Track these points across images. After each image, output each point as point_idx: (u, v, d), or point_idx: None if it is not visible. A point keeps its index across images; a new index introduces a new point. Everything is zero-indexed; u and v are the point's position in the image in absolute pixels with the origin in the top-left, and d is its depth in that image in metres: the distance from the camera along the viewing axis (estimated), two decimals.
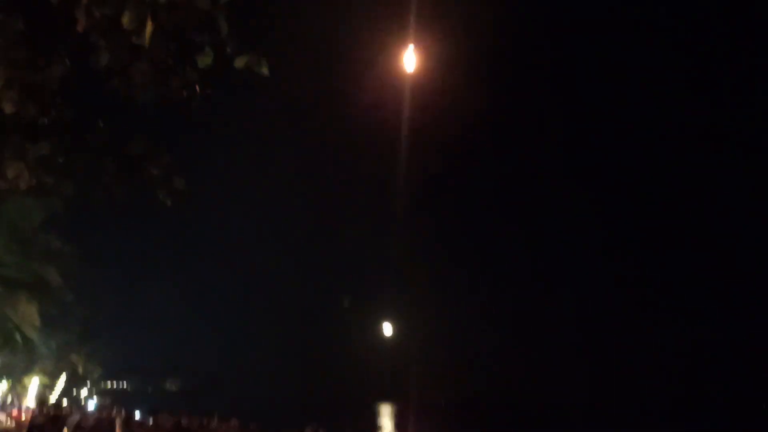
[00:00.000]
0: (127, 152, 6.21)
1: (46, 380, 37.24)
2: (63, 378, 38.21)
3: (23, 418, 22.96)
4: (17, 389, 36.05)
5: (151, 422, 20.63)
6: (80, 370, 40.13)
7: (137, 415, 23.22)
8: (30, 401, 33.89)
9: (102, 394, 43.30)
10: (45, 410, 18.74)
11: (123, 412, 23.08)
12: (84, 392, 42.18)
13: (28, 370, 33.14)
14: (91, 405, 21.53)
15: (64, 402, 31.27)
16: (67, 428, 17.95)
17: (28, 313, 23.85)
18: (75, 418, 18.78)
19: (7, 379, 34.45)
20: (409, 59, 12.63)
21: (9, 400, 34.17)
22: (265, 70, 4.36)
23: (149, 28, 3.92)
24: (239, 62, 4.35)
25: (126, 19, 3.91)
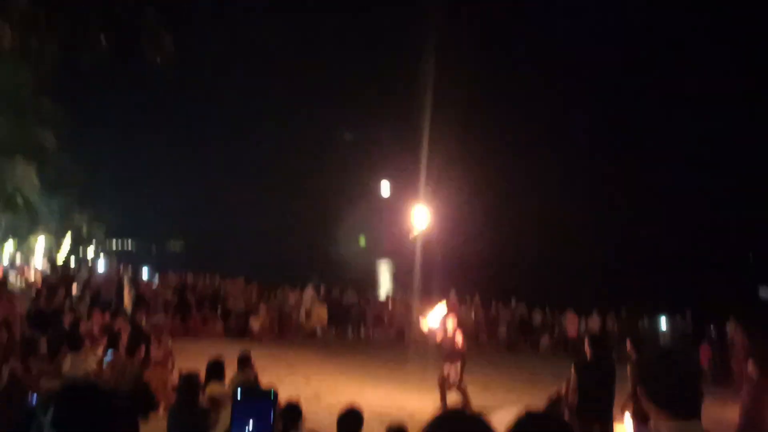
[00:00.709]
0: (112, 7, 5.93)
1: (51, 241, 38.21)
2: (68, 239, 39.16)
3: (33, 277, 23.74)
4: (24, 250, 37.09)
5: (157, 280, 21.37)
6: (84, 231, 41.04)
7: (144, 273, 23.98)
8: (38, 261, 34.97)
9: (108, 254, 44.52)
10: (54, 269, 19.31)
11: (130, 270, 23.83)
12: (90, 252, 43.40)
13: (32, 232, 33.91)
14: (100, 265, 22.16)
15: (72, 261, 32.28)
16: (77, 286, 18.58)
17: (26, 176, 24.10)
18: (84, 276, 19.42)
19: (14, 240, 35.35)
20: (420, 218, 12.88)
21: (17, 259, 35.25)
22: None
23: None
24: None
25: None
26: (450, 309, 11.45)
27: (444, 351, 10.79)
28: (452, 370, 10.63)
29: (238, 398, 1.65)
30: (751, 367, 7.00)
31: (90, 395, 1.82)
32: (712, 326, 18.84)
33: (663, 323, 19.86)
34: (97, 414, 1.76)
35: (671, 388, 2.24)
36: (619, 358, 9.23)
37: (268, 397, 1.68)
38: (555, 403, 8.47)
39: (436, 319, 11.07)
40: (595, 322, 19.54)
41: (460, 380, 10.65)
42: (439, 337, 10.89)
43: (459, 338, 10.68)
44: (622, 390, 7.40)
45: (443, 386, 10.65)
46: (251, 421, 1.63)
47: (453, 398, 10.56)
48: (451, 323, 10.82)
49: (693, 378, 2.30)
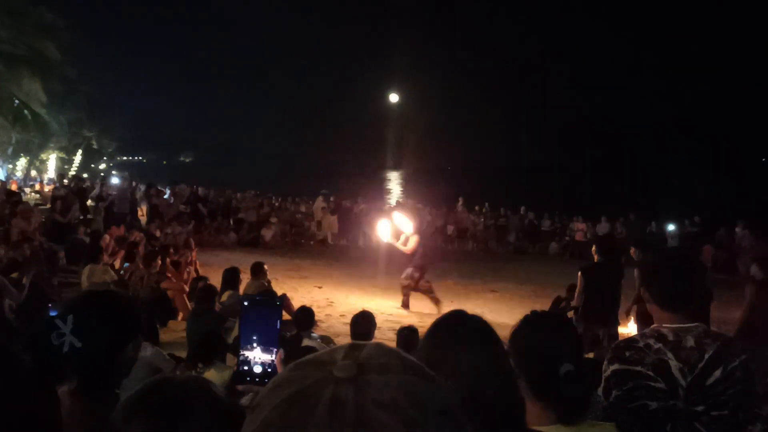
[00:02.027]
0: None
1: (63, 156, 38.38)
2: (79, 153, 39.29)
3: (47, 191, 23.97)
4: (36, 165, 37.33)
5: (168, 192, 21.49)
6: (95, 144, 41.11)
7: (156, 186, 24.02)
8: (51, 175, 35.24)
9: (119, 167, 44.76)
10: (67, 183, 19.45)
11: (142, 183, 23.92)
12: (102, 166, 43.64)
13: (43, 147, 34.01)
14: (113, 178, 22.25)
15: (85, 175, 32.47)
16: (91, 199, 18.78)
17: (32, 90, 23.85)
18: (97, 190, 19.58)
19: (25, 156, 35.52)
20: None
21: (31, 174, 35.55)
22: None
23: None
24: None
25: None
26: (407, 214, 11.58)
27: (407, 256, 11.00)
28: (410, 273, 10.86)
29: (245, 305, 1.70)
30: (754, 269, 7.11)
31: (110, 302, 1.88)
32: (721, 229, 18.96)
33: (671, 228, 19.97)
34: (118, 320, 1.83)
35: (672, 289, 2.26)
36: (627, 263, 9.33)
37: (275, 304, 1.73)
38: (557, 305, 8.67)
39: (387, 228, 11.18)
40: (603, 228, 19.68)
41: (419, 282, 10.87)
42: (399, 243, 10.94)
43: (412, 241, 10.78)
44: (630, 294, 7.54)
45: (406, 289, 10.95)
46: (258, 328, 1.68)
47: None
48: (407, 227, 10.94)
49: (694, 278, 2.32)
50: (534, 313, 1.91)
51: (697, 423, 2.09)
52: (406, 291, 10.96)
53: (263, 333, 1.67)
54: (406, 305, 10.93)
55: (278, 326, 1.69)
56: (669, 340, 2.18)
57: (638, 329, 6.36)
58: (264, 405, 0.70)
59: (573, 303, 7.25)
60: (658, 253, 2.77)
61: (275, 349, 1.67)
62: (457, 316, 1.56)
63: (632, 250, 8.37)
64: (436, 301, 10.65)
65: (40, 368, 1.66)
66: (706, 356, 2.13)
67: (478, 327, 1.52)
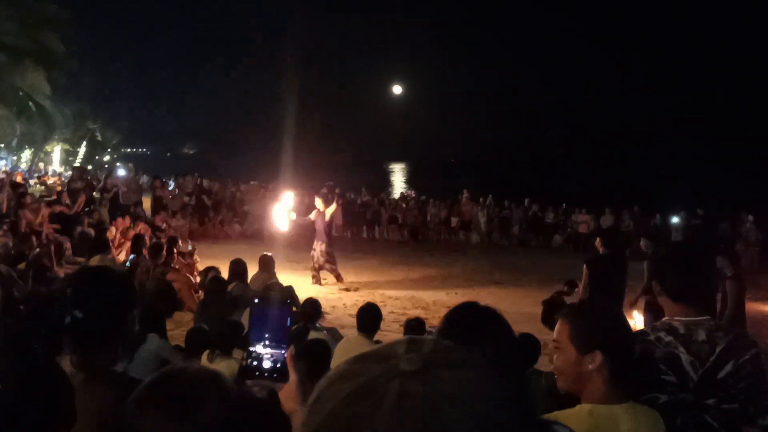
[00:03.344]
0: None
1: (67, 148, 38.46)
2: (84, 145, 39.37)
3: (50, 181, 24.03)
4: (41, 157, 37.40)
5: (173, 184, 21.53)
6: (99, 136, 41.16)
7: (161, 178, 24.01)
8: (55, 167, 35.34)
9: (123, 159, 44.82)
10: (72, 175, 19.44)
11: (146, 175, 23.97)
12: (106, 158, 43.70)
13: (48, 139, 34.06)
14: (118, 170, 22.25)
15: (89, 167, 32.52)
16: (95, 191, 18.80)
17: (36, 82, 23.88)
18: (101, 181, 19.61)
19: (30, 148, 35.59)
20: None
21: (37, 166, 35.62)
22: None
23: None
24: None
25: None
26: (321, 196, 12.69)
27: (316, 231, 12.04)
28: (318, 249, 11.89)
29: (255, 302, 1.72)
30: (722, 263, 7.20)
31: (105, 276, 1.92)
32: (725, 222, 18.91)
33: (675, 220, 19.89)
34: (115, 292, 1.86)
35: (684, 282, 2.26)
36: (632, 255, 9.31)
37: (285, 302, 1.75)
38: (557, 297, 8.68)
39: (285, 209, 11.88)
40: (608, 220, 19.63)
41: (325, 261, 11.88)
42: (313, 216, 12.02)
43: (327, 217, 11.86)
44: (635, 286, 7.53)
45: (314, 267, 11.98)
46: (269, 326, 1.70)
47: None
48: (320, 204, 12.04)
49: (705, 271, 2.32)
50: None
51: (707, 416, 2.10)
52: (331, 268, 11.98)
53: (274, 331, 1.69)
54: (340, 278, 12.02)
55: (288, 323, 1.71)
56: (680, 333, 2.18)
57: (645, 321, 6.36)
58: (328, 397, 0.70)
59: (579, 296, 7.25)
60: (670, 247, 2.77)
61: (285, 346, 1.69)
62: (470, 307, 1.57)
63: (642, 243, 8.36)
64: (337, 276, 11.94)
65: (50, 354, 1.68)
66: (718, 350, 2.13)
67: (491, 318, 1.52)
